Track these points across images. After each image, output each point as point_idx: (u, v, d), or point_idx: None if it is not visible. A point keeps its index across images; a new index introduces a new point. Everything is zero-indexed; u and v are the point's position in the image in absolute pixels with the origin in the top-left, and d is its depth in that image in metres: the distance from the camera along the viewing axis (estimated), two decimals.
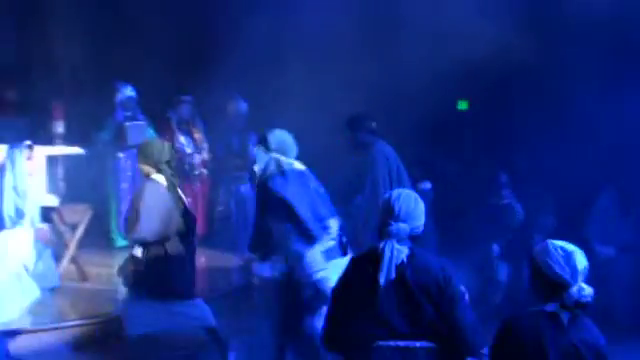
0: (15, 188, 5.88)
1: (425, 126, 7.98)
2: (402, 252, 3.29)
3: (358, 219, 5.85)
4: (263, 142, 4.71)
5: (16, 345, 4.61)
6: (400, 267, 3.28)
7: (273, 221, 4.45)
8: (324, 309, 3.86)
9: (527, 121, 7.77)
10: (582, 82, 7.15)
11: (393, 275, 3.25)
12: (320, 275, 4.31)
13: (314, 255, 4.31)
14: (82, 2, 8.79)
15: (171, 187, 4.90)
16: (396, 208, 3.34)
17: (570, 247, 3.13)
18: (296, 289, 4.41)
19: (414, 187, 6.41)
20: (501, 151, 7.95)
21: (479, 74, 7.94)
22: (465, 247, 7.05)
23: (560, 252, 3.09)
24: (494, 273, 7.22)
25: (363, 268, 3.34)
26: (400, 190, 3.53)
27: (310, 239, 4.36)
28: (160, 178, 4.89)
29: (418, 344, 3.24)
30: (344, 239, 4.48)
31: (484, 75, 7.98)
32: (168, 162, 4.93)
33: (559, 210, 7.38)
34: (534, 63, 7.81)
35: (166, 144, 5.16)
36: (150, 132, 8.09)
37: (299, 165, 4.69)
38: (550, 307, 3.07)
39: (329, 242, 4.43)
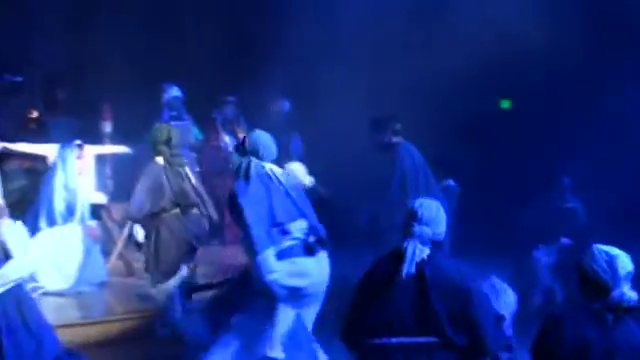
0: (66, 186, 6.06)
1: (466, 126, 7.97)
2: (424, 251, 3.48)
3: (383, 219, 5.92)
4: (240, 145, 4.68)
5: (65, 338, 4.73)
6: (420, 264, 3.45)
7: (237, 223, 4.56)
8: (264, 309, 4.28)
9: (573, 121, 7.71)
10: (632, 82, 7.08)
11: (413, 270, 3.43)
12: (272, 277, 4.31)
13: (266, 257, 4.34)
14: (129, 4, 8.94)
15: (169, 166, 5.24)
16: (419, 213, 3.55)
17: (615, 251, 3.23)
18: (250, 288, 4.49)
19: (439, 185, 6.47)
20: (547, 152, 7.89)
21: (522, 72, 7.91)
22: (511, 248, 7.04)
23: (604, 256, 3.19)
24: (537, 275, 7.18)
25: (385, 265, 3.54)
26: (423, 199, 3.71)
27: (253, 244, 4.40)
28: (159, 159, 5.52)
29: (422, 340, 3.38)
30: (311, 239, 4.43)
31: (528, 73, 7.94)
32: (167, 142, 5.28)
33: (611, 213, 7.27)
34: (581, 61, 7.74)
35: (164, 126, 5.50)
36: (195, 131, 8.23)
37: (272, 168, 4.60)
38: (595, 305, 3.15)
39: (286, 242, 4.40)
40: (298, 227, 4.44)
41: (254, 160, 4.53)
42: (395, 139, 6.30)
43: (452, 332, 3.35)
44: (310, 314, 4.51)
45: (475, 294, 3.39)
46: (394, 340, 3.39)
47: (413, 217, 3.52)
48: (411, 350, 3.39)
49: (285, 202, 4.47)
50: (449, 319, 3.35)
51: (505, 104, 8.79)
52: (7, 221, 5.60)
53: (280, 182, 4.52)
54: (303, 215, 4.49)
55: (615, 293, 3.12)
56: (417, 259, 3.44)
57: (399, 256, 3.45)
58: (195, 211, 6.03)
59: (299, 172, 7.13)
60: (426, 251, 3.47)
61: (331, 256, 4.62)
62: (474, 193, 6.86)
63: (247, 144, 4.59)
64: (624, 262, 3.18)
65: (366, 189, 6.53)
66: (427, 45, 8.11)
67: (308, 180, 7.03)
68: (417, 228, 3.49)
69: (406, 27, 8.05)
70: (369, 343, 3.44)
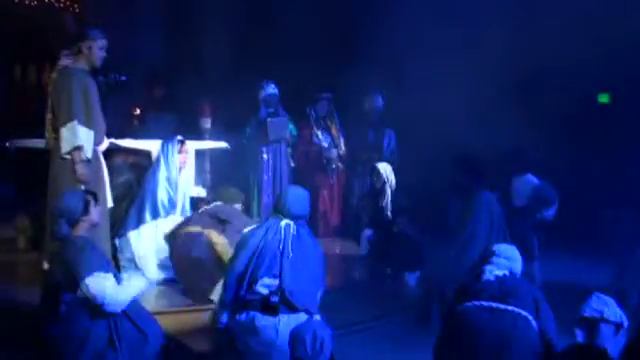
0: (168, 179, 6.28)
1: (564, 120, 7.82)
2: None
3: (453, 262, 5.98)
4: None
5: (168, 325, 4.92)
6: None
7: None
8: None
9: None
10: None
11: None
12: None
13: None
14: (226, 2, 9.17)
15: None
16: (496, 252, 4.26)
17: None
18: None
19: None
20: None
21: (621, 64, 7.69)
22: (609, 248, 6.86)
23: None
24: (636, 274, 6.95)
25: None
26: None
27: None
28: None
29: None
30: (274, 299, 4.48)
31: (627, 65, 7.72)
32: None
33: None
34: None
35: None
36: (291, 127, 8.39)
37: (279, 220, 4.66)
38: None
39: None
40: (267, 283, 4.49)
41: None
42: (473, 183, 6.13)
43: None
44: None
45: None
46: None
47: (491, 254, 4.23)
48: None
49: (264, 257, 4.51)
50: None
51: (603, 98, 8.55)
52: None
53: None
54: (272, 273, 4.49)
55: None
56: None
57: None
58: None
59: (384, 170, 7.23)
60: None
61: None
62: (571, 190, 6.72)
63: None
64: None
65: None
66: (523, 40, 7.98)
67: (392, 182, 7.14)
68: (495, 259, 4.20)
69: (501, 22, 7.96)
70: None
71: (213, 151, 7.38)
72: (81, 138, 5.48)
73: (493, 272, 4.17)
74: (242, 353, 4.49)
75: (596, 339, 3.66)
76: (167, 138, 6.41)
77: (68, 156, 5.50)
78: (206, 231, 5.62)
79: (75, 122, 5.44)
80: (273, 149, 8.27)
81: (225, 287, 4.64)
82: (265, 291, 4.49)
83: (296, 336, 4.30)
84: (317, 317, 4.54)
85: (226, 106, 8.06)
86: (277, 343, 4.42)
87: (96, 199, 4.62)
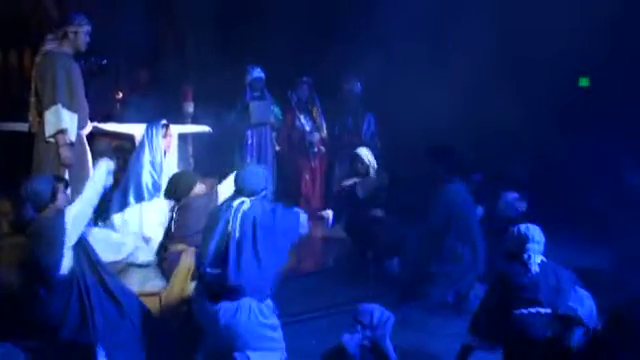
0: (152, 163, 6.27)
1: (544, 105, 7.90)
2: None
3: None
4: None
5: (151, 307, 4.97)
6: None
7: None
8: None
9: None
10: None
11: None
12: None
13: None
14: None
15: None
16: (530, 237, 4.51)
17: None
18: None
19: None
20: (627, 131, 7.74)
21: (601, 48, 7.77)
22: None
23: None
24: None
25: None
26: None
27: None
28: None
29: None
30: (215, 288, 4.40)
31: (607, 49, 7.80)
32: None
33: None
34: None
35: None
36: (276, 111, 8.41)
37: (234, 199, 4.56)
38: None
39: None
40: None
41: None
42: (445, 176, 6.31)
43: None
44: None
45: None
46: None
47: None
48: None
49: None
50: None
51: (584, 82, 8.65)
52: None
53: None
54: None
55: None
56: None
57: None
58: None
59: (365, 156, 7.29)
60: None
61: None
62: (558, 174, 6.80)
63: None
64: None
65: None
66: (506, 25, 8.03)
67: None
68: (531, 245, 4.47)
69: (485, 8, 8.00)
70: None
71: (196, 135, 7.38)
72: (65, 121, 5.49)
73: (536, 261, 4.43)
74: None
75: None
76: (151, 122, 6.41)
77: (52, 139, 5.51)
78: (190, 249, 5.56)
79: (59, 105, 5.46)
80: (258, 133, 8.29)
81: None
82: (212, 275, 4.39)
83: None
84: (268, 302, 4.43)
85: (209, 90, 8.06)
86: (221, 328, 4.34)
87: (66, 186, 4.65)
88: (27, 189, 4.49)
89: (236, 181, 4.57)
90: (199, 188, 5.84)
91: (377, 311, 4.44)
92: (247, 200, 4.43)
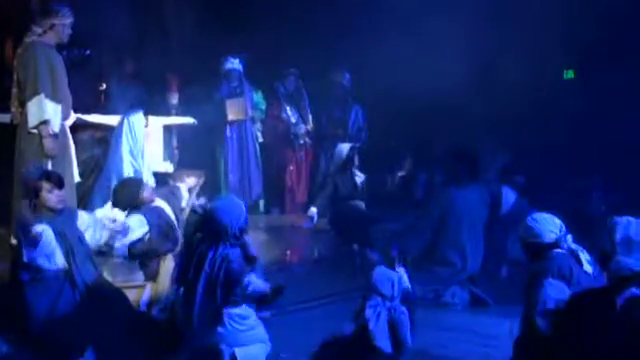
0: (131, 152, 6.24)
1: (529, 97, 7.92)
2: None
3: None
4: None
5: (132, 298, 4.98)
6: None
7: None
8: None
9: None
10: None
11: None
12: None
13: None
14: None
15: None
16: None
17: None
18: None
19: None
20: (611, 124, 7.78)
21: (584, 42, 7.79)
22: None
23: None
24: None
25: None
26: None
27: None
28: None
29: None
30: None
31: (591, 41, 7.83)
32: None
33: None
34: None
35: None
36: (258, 100, 8.36)
37: None
38: None
39: None
40: None
41: None
42: (459, 180, 6.31)
43: None
44: None
45: None
46: None
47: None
48: None
49: None
50: None
51: (569, 74, 8.67)
52: None
53: None
54: None
55: None
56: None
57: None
58: None
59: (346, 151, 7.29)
60: None
61: None
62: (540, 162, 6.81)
63: None
64: None
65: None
66: (491, 16, 8.04)
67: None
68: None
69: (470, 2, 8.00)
70: None
71: (180, 127, 7.33)
72: (48, 112, 5.43)
73: (585, 257, 4.05)
74: None
75: None
76: (129, 111, 6.35)
77: (35, 130, 5.45)
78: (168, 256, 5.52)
79: (42, 96, 5.40)
80: (238, 127, 8.25)
81: None
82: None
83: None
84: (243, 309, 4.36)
85: (193, 81, 8.01)
86: (200, 332, 4.31)
87: (60, 185, 4.64)
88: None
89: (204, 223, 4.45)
90: (148, 192, 5.72)
91: (397, 280, 4.17)
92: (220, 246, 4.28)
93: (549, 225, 4.13)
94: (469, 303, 6.14)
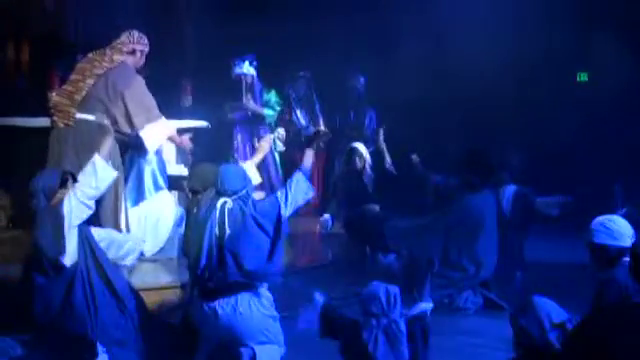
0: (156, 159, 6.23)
1: (544, 100, 7.91)
2: None
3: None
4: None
5: (156, 301, 4.99)
6: None
7: None
8: None
9: None
10: None
11: None
12: None
13: None
14: None
15: None
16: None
17: None
18: None
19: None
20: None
21: (598, 46, 7.78)
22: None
23: None
24: None
25: None
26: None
27: None
28: None
29: None
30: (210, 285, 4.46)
31: (603, 47, 7.82)
32: None
33: None
34: None
35: None
36: (272, 99, 8.34)
37: (217, 200, 4.58)
38: None
39: None
40: None
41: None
42: (473, 185, 6.30)
43: None
44: None
45: None
46: None
47: None
48: None
49: None
50: None
51: (582, 77, 8.66)
52: None
53: None
54: None
55: None
56: None
57: None
58: None
59: (363, 150, 7.30)
60: None
61: None
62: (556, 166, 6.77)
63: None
64: None
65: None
66: (507, 24, 8.04)
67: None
68: None
69: (486, 6, 8.00)
70: None
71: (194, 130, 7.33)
72: (169, 128, 5.74)
73: None
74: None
75: None
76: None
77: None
78: None
79: (163, 117, 5.65)
80: (242, 129, 8.20)
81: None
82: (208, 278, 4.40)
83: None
84: (267, 294, 4.44)
85: (209, 85, 8.04)
86: (221, 326, 4.36)
87: (74, 179, 4.66)
88: (39, 181, 4.57)
89: (217, 183, 4.55)
90: None
91: (383, 295, 4.01)
92: (229, 200, 4.46)
93: (626, 228, 3.73)
94: (483, 308, 6.13)
